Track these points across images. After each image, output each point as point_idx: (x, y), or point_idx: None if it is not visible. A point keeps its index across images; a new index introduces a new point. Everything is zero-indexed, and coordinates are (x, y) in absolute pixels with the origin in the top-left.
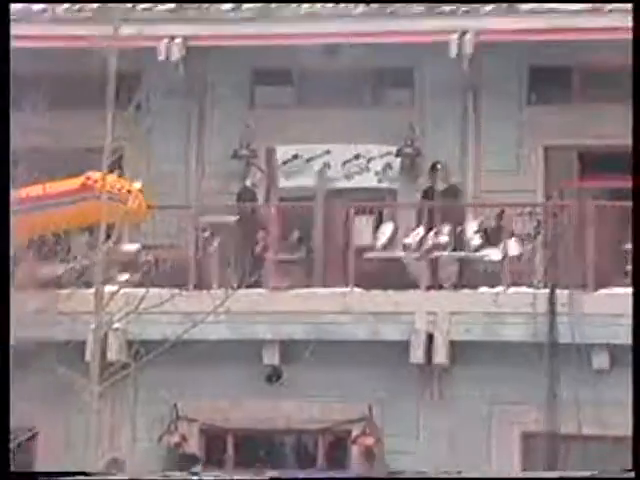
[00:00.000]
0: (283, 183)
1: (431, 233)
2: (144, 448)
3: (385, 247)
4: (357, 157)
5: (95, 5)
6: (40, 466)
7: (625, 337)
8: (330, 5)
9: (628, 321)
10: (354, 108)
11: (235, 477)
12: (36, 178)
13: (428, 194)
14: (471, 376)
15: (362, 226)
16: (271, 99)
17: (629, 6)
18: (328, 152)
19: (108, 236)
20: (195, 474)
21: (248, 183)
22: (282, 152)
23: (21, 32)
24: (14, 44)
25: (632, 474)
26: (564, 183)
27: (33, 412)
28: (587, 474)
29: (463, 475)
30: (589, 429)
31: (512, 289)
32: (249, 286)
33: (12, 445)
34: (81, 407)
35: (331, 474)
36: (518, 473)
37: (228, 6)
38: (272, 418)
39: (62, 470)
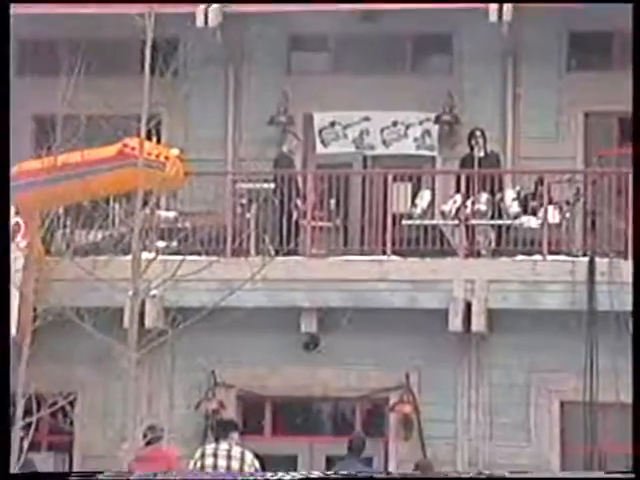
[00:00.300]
0: (320, 150)
1: (469, 201)
2: (182, 415)
3: (423, 214)
4: (395, 124)
5: None
6: (79, 432)
7: None
8: None
9: None
10: (392, 75)
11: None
12: (74, 145)
13: (466, 161)
14: (509, 344)
15: (400, 193)
16: (308, 65)
17: None
18: (366, 119)
19: (145, 203)
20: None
21: (285, 149)
22: (319, 119)
23: None
24: (50, 10)
25: (632, 475)
26: (604, 150)
27: (72, 378)
28: (587, 474)
29: (464, 475)
30: (627, 397)
31: (551, 257)
32: (286, 253)
33: (52, 409)
34: (119, 373)
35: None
36: (556, 443)
37: None
38: (309, 385)
39: (62, 471)
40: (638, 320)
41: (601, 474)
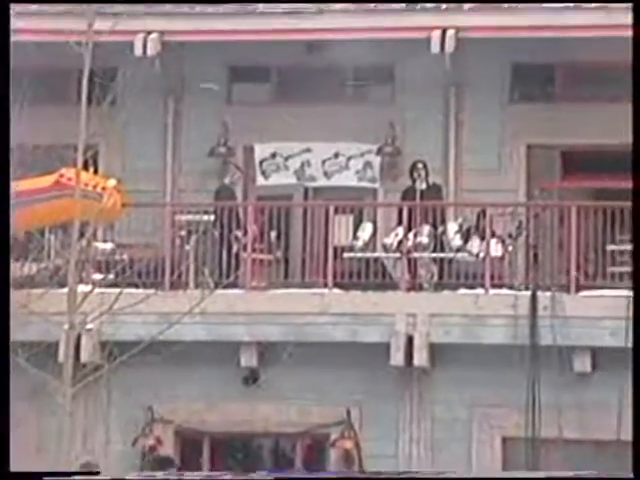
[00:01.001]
0: (261, 181)
1: (411, 233)
2: (118, 451)
3: (365, 247)
4: (336, 155)
5: None
6: (13, 469)
7: (608, 340)
8: (309, 0)
9: (611, 324)
10: (334, 105)
11: (240, 476)
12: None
13: (408, 194)
14: (451, 378)
15: (341, 226)
16: (249, 96)
17: (614, 4)
18: (307, 150)
19: (82, 234)
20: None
21: (227, 181)
22: (260, 150)
23: None
24: None
25: (632, 475)
26: (546, 183)
27: None
28: (587, 474)
29: (461, 475)
30: (570, 433)
31: (493, 291)
32: (226, 286)
33: None
34: (54, 409)
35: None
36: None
37: (205, 1)
38: (249, 421)
39: (65, 471)
40: (638, 320)
41: (601, 474)
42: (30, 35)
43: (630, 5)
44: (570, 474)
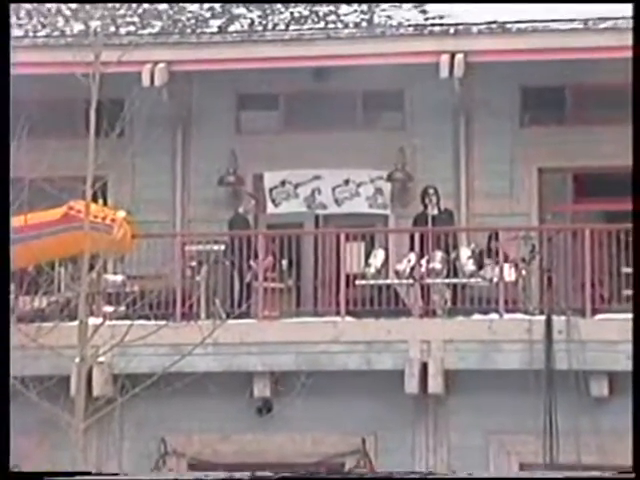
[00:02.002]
0: (271, 209)
1: (423, 259)
2: None
3: (377, 274)
4: (347, 182)
5: (76, 30)
6: None
7: (625, 363)
8: (317, 27)
9: (627, 347)
10: (343, 132)
11: (237, 475)
12: (17, 209)
13: (420, 219)
14: (467, 405)
15: (353, 253)
16: (258, 124)
17: (624, 24)
18: (317, 177)
19: (92, 267)
20: None
21: (241, 210)
22: (270, 178)
23: None
24: None
25: (632, 474)
26: (559, 206)
27: (17, 449)
28: (587, 474)
29: (463, 475)
30: (588, 458)
31: (507, 316)
32: (237, 316)
33: None
34: (66, 444)
35: None
36: None
37: (212, 29)
38: (263, 452)
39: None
40: (638, 320)
41: (601, 474)
42: (37, 68)
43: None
44: (569, 474)
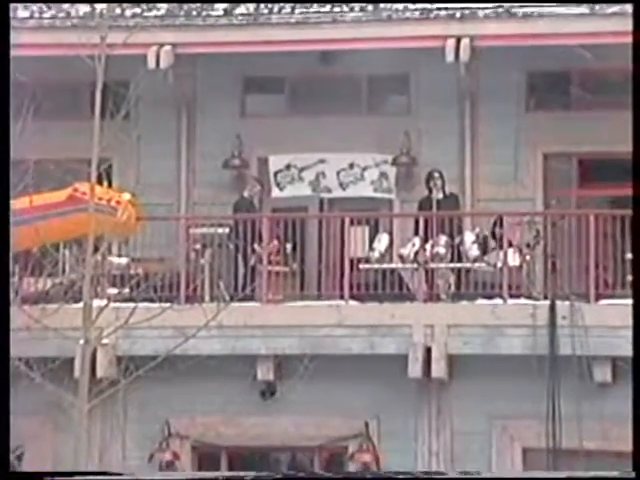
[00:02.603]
0: (276, 193)
1: (428, 244)
2: (135, 467)
3: (381, 258)
4: (351, 166)
5: (82, 12)
6: None
7: (628, 349)
8: (323, 10)
9: (630, 333)
10: (348, 116)
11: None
12: (22, 190)
13: (425, 204)
14: (470, 390)
15: (357, 237)
16: (263, 107)
17: (630, 9)
18: (322, 161)
19: (96, 249)
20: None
21: (246, 194)
22: (275, 161)
23: None
24: None
25: (632, 474)
26: (564, 191)
27: (21, 430)
28: (587, 474)
29: (464, 475)
30: (591, 444)
31: (511, 301)
32: (242, 299)
33: None
34: (69, 425)
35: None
36: None
37: (218, 12)
38: (266, 435)
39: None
40: (638, 319)
41: (601, 474)
42: (42, 50)
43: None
44: (569, 474)
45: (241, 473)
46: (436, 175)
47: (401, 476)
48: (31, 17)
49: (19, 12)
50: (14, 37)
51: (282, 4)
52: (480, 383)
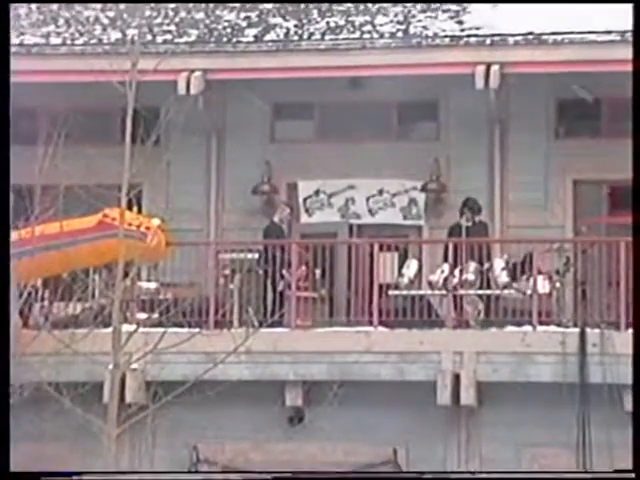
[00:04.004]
0: (305, 219)
1: (457, 270)
2: None
3: (410, 284)
4: (381, 192)
5: (113, 38)
6: None
7: None
8: (352, 37)
9: None
10: (377, 142)
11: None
12: (52, 216)
13: (454, 230)
14: (499, 417)
15: (386, 263)
16: (292, 133)
17: None
18: (351, 187)
19: (126, 274)
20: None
21: (276, 219)
22: (304, 187)
23: (38, 66)
24: (31, 79)
25: (632, 474)
26: (594, 218)
27: (50, 455)
28: (587, 474)
29: (465, 475)
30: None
31: (541, 328)
32: (270, 325)
33: None
34: (98, 450)
35: None
36: None
37: (248, 38)
38: (294, 461)
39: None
40: (639, 318)
41: (601, 474)
42: (74, 76)
43: None
44: (569, 474)
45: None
46: (471, 203)
47: (401, 475)
48: (63, 44)
49: (52, 39)
50: (46, 64)
51: (312, 30)
52: (509, 411)
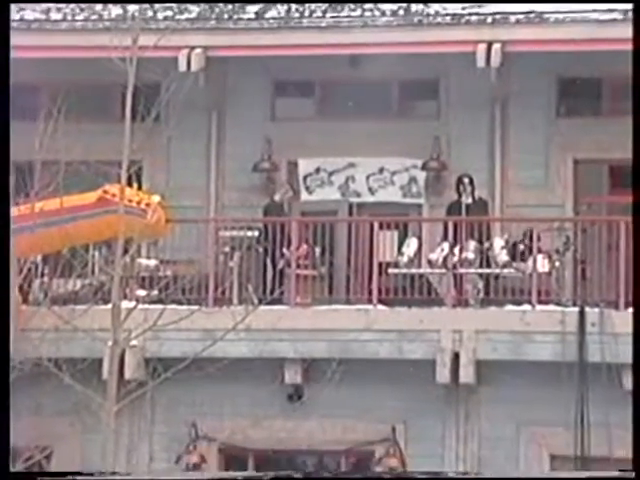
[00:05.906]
0: (305, 197)
1: (457, 249)
2: (162, 469)
3: (410, 263)
4: (381, 171)
5: (114, 14)
6: None
7: None
8: (354, 14)
9: None
10: (378, 120)
11: (237, 474)
12: (52, 192)
13: (454, 208)
14: (498, 396)
15: (386, 241)
16: (292, 111)
17: None
18: (351, 165)
19: (126, 251)
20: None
21: (277, 198)
22: (304, 165)
23: (39, 42)
24: (31, 55)
25: (632, 474)
26: (594, 198)
27: (49, 431)
28: (587, 475)
29: (466, 475)
30: (620, 452)
31: (540, 307)
32: (270, 302)
33: (28, 464)
34: (97, 426)
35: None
36: None
37: (249, 15)
38: (293, 438)
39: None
40: (638, 320)
41: (601, 474)
42: (74, 52)
43: None
44: (570, 474)
45: (260, 473)
46: (466, 180)
47: (405, 476)
48: (64, 20)
49: (52, 14)
50: (46, 39)
51: (313, 8)
52: (508, 389)
